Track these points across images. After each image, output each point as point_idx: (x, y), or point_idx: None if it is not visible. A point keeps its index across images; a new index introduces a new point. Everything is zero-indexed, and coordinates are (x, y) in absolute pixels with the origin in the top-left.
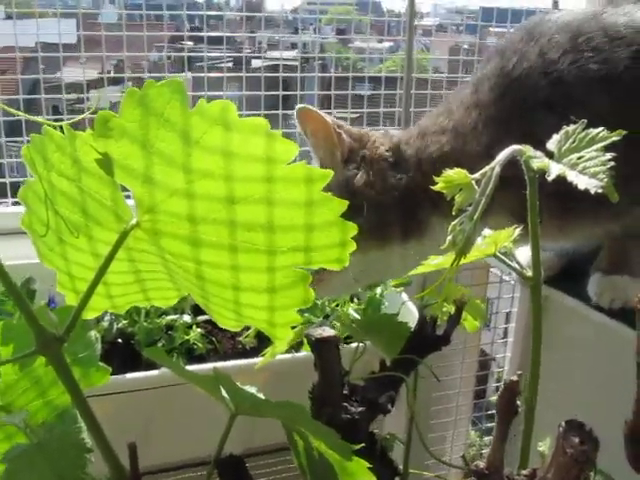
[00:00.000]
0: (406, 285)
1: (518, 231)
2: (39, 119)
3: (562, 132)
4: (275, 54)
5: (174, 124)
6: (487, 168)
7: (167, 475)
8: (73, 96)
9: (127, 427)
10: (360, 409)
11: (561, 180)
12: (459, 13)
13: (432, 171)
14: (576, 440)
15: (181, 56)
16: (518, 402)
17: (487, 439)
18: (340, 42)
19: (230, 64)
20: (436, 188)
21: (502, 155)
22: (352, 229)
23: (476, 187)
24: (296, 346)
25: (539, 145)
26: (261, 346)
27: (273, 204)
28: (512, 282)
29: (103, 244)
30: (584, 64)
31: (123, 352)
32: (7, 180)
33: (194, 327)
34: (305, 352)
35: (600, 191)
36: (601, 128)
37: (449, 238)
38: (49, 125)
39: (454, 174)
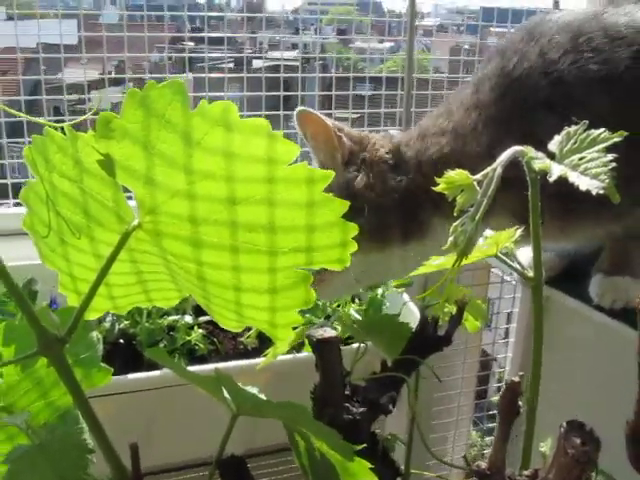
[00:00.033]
0: (407, 286)
1: (519, 232)
2: (41, 120)
3: (564, 133)
4: (276, 54)
5: (175, 125)
6: (489, 169)
7: (169, 476)
8: (74, 97)
9: (129, 428)
10: (361, 410)
11: (562, 181)
12: (460, 13)
13: (433, 172)
14: (577, 440)
15: (182, 57)
16: (520, 402)
17: (488, 439)
18: (341, 42)
19: (231, 65)
20: (438, 189)
21: (504, 156)
22: (353, 229)
23: (478, 188)
24: (297, 347)
25: (539, 145)
26: (262, 347)
27: (274, 205)
28: (513, 282)
29: (105, 245)
30: (584, 64)
31: (125, 353)
32: (9, 181)
33: (195, 328)
34: (306, 353)
35: (601, 192)
36: (602, 129)
37: (451, 239)
38: (51, 126)
39: (456, 175)
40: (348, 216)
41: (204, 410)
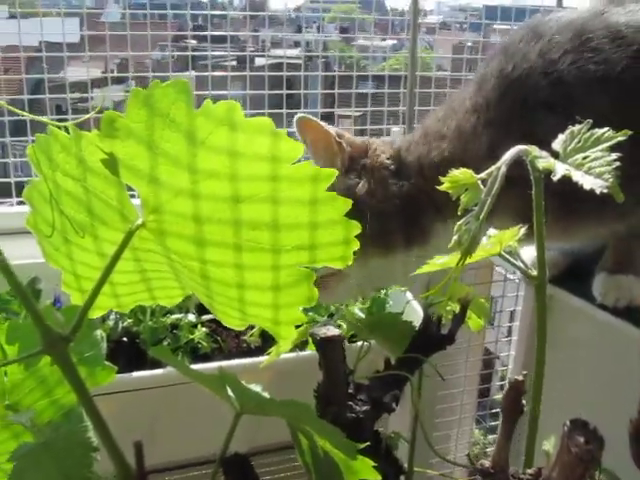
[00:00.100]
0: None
1: (523, 231)
2: (44, 119)
3: (567, 132)
4: (278, 52)
5: (180, 124)
6: (493, 168)
7: (172, 473)
8: (77, 95)
9: (133, 426)
10: (365, 408)
11: (566, 180)
12: (462, 11)
13: (434, 177)
14: (581, 439)
15: (185, 55)
16: (523, 401)
17: (491, 437)
18: (343, 40)
19: (234, 62)
20: (442, 188)
21: (508, 155)
22: (356, 228)
23: (482, 187)
24: (301, 345)
25: (539, 145)
26: (266, 345)
27: (278, 203)
28: (516, 280)
29: (108, 244)
30: (584, 64)
31: (128, 351)
32: (12, 180)
33: (199, 326)
34: (310, 351)
35: (605, 191)
36: (606, 128)
37: (455, 238)
38: (54, 125)
39: (460, 174)
40: None
41: (207, 408)
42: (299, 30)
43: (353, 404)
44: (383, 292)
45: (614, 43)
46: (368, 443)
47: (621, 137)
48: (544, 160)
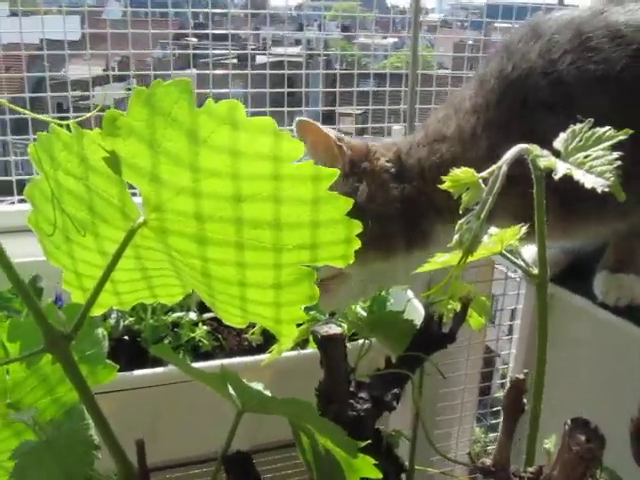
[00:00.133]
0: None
1: (524, 229)
2: (46, 118)
3: (569, 131)
4: (279, 50)
5: (182, 123)
6: (494, 167)
7: (174, 471)
8: (78, 93)
9: (134, 424)
10: (366, 406)
11: (567, 179)
12: (464, 9)
13: (435, 179)
14: (582, 437)
15: (186, 53)
16: (524, 400)
17: (492, 435)
18: (345, 38)
19: (234, 60)
20: (443, 187)
21: (509, 154)
22: (357, 227)
23: (483, 186)
24: (302, 343)
25: (539, 146)
26: (267, 343)
27: (280, 202)
28: (518, 279)
29: (110, 242)
30: (584, 64)
31: (129, 349)
32: (13, 178)
33: (200, 324)
34: (311, 349)
35: (606, 190)
36: (608, 127)
37: (456, 237)
38: (56, 124)
39: (461, 173)
40: None
41: (209, 406)
42: (300, 28)
43: (354, 402)
44: (384, 290)
45: (613, 42)
46: (369, 441)
47: (622, 136)
48: (545, 159)
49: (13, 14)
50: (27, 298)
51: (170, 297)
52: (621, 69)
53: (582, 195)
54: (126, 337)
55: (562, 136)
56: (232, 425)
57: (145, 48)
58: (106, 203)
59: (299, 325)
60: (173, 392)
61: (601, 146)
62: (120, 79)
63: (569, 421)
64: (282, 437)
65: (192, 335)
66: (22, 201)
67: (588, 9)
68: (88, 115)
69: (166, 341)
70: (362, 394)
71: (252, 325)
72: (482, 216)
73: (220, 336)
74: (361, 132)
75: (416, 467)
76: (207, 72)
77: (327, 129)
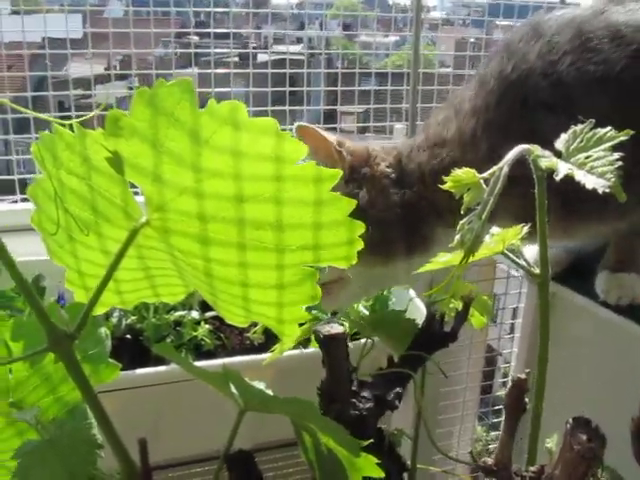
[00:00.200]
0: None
1: (526, 229)
2: (48, 117)
3: (570, 131)
4: (281, 49)
5: (184, 123)
6: (495, 167)
7: (176, 470)
8: (80, 92)
9: (137, 423)
10: (368, 405)
11: (568, 180)
12: (466, 7)
13: (436, 183)
14: (583, 437)
15: (187, 52)
16: (526, 399)
17: (493, 434)
18: (346, 37)
19: (236, 59)
20: (444, 187)
21: (511, 154)
22: (359, 228)
23: (484, 186)
24: (304, 342)
25: (540, 146)
26: (269, 342)
27: (282, 203)
28: (519, 278)
29: (113, 241)
30: (584, 64)
31: (132, 348)
32: (15, 177)
33: (202, 323)
34: (313, 348)
35: (607, 190)
36: (608, 128)
37: (457, 237)
38: (58, 123)
39: (462, 174)
40: None
41: (211, 405)
42: (301, 26)
43: (356, 401)
44: (386, 290)
45: (613, 43)
46: (371, 440)
47: (623, 137)
48: (547, 159)
49: (15, 12)
50: (30, 297)
51: (172, 296)
52: (621, 70)
53: (583, 195)
54: (128, 336)
55: (563, 137)
56: (234, 424)
57: (147, 47)
58: (109, 203)
59: (301, 324)
60: (175, 391)
61: (602, 147)
62: (122, 78)
63: (570, 420)
64: (284, 436)
65: (194, 334)
66: (25, 200)
67: (589, 8)
68: (91, 114)
69: (168, 340)
70: (364, 393)
71: (254, 324)
72: (484, 216)
73: (222, 335)
74: (363, 131)
75: (418, 466)
76: (209, 71)
77: (327, 134)
